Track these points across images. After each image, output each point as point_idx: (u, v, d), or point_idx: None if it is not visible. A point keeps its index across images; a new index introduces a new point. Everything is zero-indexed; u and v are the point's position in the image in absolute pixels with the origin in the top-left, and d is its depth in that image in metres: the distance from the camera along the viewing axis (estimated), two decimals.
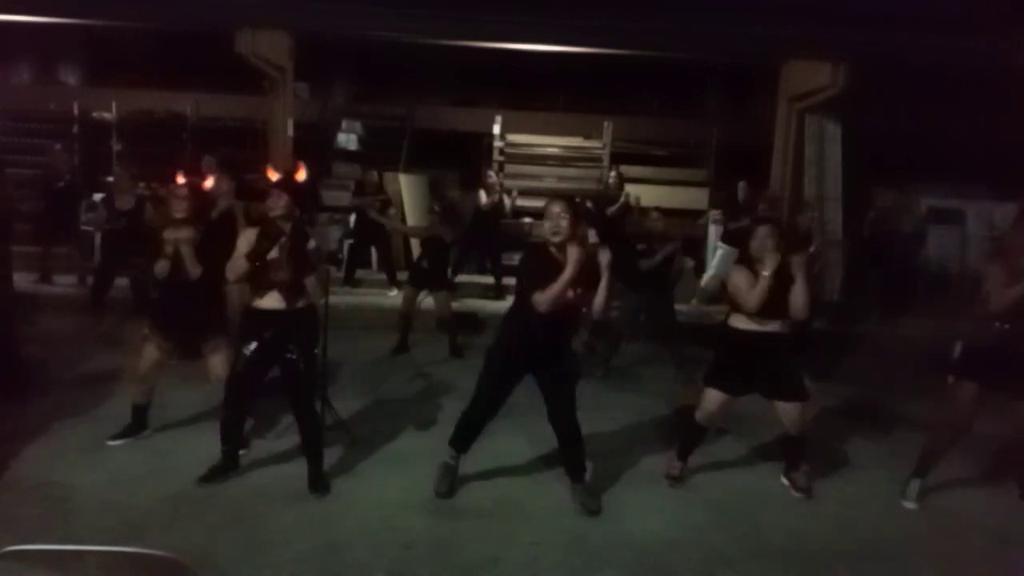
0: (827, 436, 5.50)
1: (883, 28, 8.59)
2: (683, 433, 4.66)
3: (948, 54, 8.78)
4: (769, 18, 8.57)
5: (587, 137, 12.42)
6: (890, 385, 6.78)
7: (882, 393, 6.62)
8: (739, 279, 4.29)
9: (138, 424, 4.84)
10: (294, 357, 4.11)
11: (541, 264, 4.00)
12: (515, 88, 13.38)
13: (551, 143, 12.34)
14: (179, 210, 4.60)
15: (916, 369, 6.65)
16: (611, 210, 9.02)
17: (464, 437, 4.35)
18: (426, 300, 7.39)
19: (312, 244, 4.11)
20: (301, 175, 4.30)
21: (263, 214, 4.28)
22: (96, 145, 11.85)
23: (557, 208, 3.98)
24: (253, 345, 4.09)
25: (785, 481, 4.59)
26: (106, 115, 12.09)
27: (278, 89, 9.23)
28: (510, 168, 11.96)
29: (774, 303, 4.19)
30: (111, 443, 4.70)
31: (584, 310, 4.10)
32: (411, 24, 8.96)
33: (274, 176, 4.22)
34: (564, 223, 3.93)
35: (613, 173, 10.28)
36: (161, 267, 4.54)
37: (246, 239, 4.12)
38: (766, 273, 4.16)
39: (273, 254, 3.98)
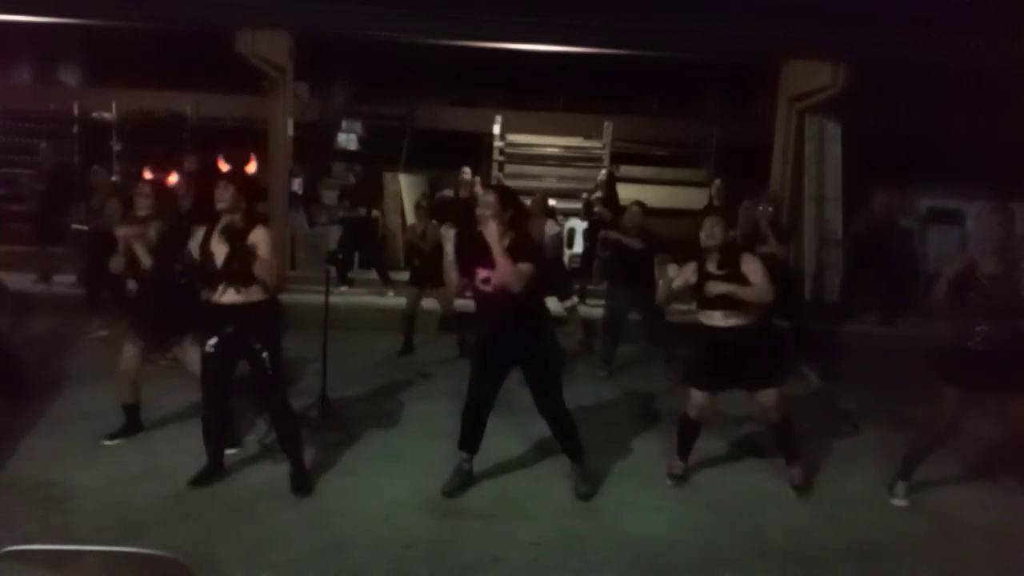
0: (827, 436, 5.51)
1: (883, 28, 8.59)
2: (680, 434, 4.66)
3: (948, 54, 8.78)
4: (769, 18, 8.57)
5: (587, 137, 12.42)
6: (890, 385, 6.78)
7: (882, 393, 6.62)
8: (671, 273, 4.40)
9: (132, 424, 4.85)
10: (257, 350, 4.05)
11: (469, 253, 4.08)
12: (515, 88, 13.38)
13: (551, 143, 12.34)
14: (142, 208, 4.58)
15: (916, 368, 6.64)
16: (598, 210, 9.04)
17: (468, 437, 4.36)
18: (425, 300, 7.38)
19: (257, 240, 3.99)
20: (251, 167, 4.29)
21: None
22: (96, 145, 11.85)
23: (482, 196, 4.14)
24: (213, 340, 4.06)
25: (793, 472, 4.58)
26: (106, 115, 12.10)
27: (278, 89, 9.23)
28: (510, 168, 11.97)
29: (722, 297, 4.24)
30: (107, 443, 4.71)
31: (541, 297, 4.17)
32: (411, 24, 8.95)
33: (225, 168, 4.19)
34: (488, 212, 3.98)
35: (604, 171, 10.28)
36: (115, 263, 4.54)
37: (195, 237, 4.14)
38: (673, 269, 4.35)
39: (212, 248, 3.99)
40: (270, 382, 4.15)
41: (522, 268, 3.93)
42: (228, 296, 4.01)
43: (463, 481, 4.34)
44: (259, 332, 4.07)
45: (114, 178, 9.03)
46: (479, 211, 4.03)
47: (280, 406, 4.21)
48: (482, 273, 4.04)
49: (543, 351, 4.21)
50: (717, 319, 4.32)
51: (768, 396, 4.39)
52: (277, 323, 4.26)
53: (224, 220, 4.03)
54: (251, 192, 4.14)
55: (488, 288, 4.04)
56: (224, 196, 4.00)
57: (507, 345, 4.17)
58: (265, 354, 4.06)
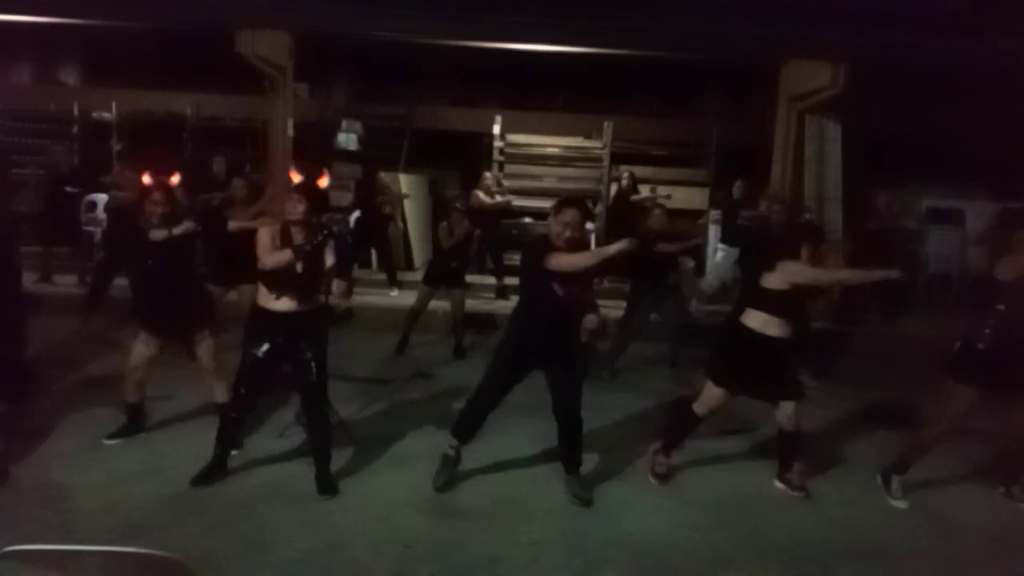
0: (827, 436, 5.51)
1: (883, 28, 8.59)
2: (676, 425, 4.66)
3: (948, 54, 8.78)
4: (769, 18, 8.57)
5: (587, 137, 12.42)
6: (890, 385, 6.78)
7: (882, 393, 6.62)
8: (809, 272, 4.24)
9: (134, 424, 4.85)
10: (308, 357, 4.11)
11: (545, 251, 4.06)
12: (515, 88, 13.37)
13: (551, 143, 12.33)
14: (155, 217, 4.54)
15: (916, 368, 6.64)
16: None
17: (467, 426, 4.37)
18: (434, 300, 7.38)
19: (330, 258, 4.13)
20: (324, 182, 4.32)
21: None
22: (96, 145, 11.85)
23: (572, 215, 4.03)
24: (265, 347, 4.09)
25: (780, 484, 4.59)
26: (106, 115, 12.09)
27: (278, 89, 9.23)
28: (510, 168, 11.96)
29: (797, 307, 4.23)
30: (107, 442, 4.71)
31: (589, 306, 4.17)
32: (411, 24, 8.96)
33: (296, 179, 4.25)
34: (576, 233, 4.02)
35: (627, 174, 10.34)
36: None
37: (268, 236, 4.11)
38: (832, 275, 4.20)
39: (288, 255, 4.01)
40: (316, 390, 4.21)
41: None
42: (285, 304, 4.06)
43: (452, 472, 4.35)
44: (311, 339, 4.13)
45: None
46: (561, 231, 4.02)
47: (321, 413, 4.27)
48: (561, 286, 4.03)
49: (577, 355, 4.26)
50: (772, 327, 4.27)
51: (791, 407, 4.39)
52: (326, 331, 4.30)
53: (297, 230, 4.08)
54: (322, 205, 4.21)
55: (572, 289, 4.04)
56: (298, 210, 4.06)
57: (546, 349, 4.16)
58: (314, 362, 4.12)
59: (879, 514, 4.35)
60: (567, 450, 4.36)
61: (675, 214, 10.64)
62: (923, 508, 4.44)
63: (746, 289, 4.73)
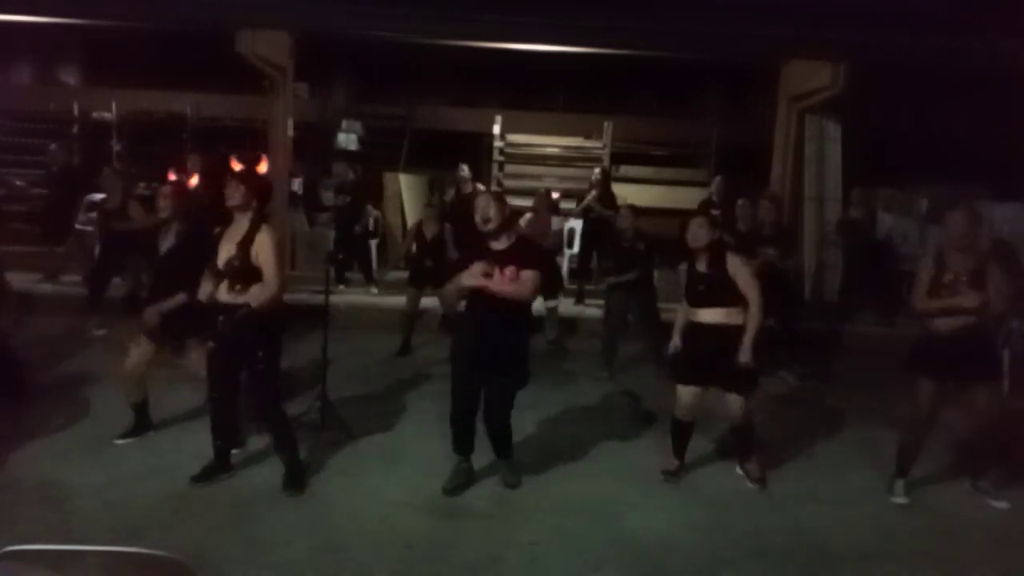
0: (825, 436, 5.52)
1: (883, 28, 8.59)
2: (671, 434, 4.69)
3: (948, 54, 8.78)
4: (769, 18, 8.57)
5: (587, 137, 12.42)
6: (889, 384, 6.76)
7: (881, 392, 6.61)
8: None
9: (142, 423, 4.85)
10: (249, 351, 4.05)
11: (471, 256, 4.14)
12: (515, 88, 13.38)
13: (551, 143, 12.34)
14: (163, 209, 4.60)
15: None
16: (595, 208, 9.06)
17: (457, 440, 4.38)
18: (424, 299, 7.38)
19: (259, 245, 4.00)
20: (263, 167, 4.31)
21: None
22: (96, 145, 11.85)
23: (478, 201, 4.17)
24: (212, 337, 4.11)
25: (740, 471, 4.64)
26: (106, 115, 12.09)
27: (278, 89, 9.22)
28: (510, 168, 11.96)
29: (707, 295, 4.34)
30: (118, 442, 4.70)
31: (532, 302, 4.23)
32: (411, 24, 8.95)
33: (237, 167, 4.22)
34: (493, 214, 4.04)
35: (597, 170, 10.25)
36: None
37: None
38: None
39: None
40: (259, 385, 4.16)
41: (525, 278, 4.01)
42: (229, 296, 4.01)
43: (465, 478, 4.35)
44: (253, 335, 4.04)
45: None
46: (481, 224, 4.06)
47: (269, 409, 4.21)
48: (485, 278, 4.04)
49: (517, 358, 4.20)
50: (701, 316, 4.40)
51: (735, 401, 4.44)
52: (275, 327, 4.20)
53: (235, 219, 4.06)
54: (262, 192, 4.16)
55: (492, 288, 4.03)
56: (235, 195, 4.02)
57: (491, 345, 4.13)
58: (258, 357, 4.06)
59: (879, 514, 4.35)
60: (494, 444, 4.40)
61: (675, 214, 10.64)
62: (923, 507, 4.44)
63: None
